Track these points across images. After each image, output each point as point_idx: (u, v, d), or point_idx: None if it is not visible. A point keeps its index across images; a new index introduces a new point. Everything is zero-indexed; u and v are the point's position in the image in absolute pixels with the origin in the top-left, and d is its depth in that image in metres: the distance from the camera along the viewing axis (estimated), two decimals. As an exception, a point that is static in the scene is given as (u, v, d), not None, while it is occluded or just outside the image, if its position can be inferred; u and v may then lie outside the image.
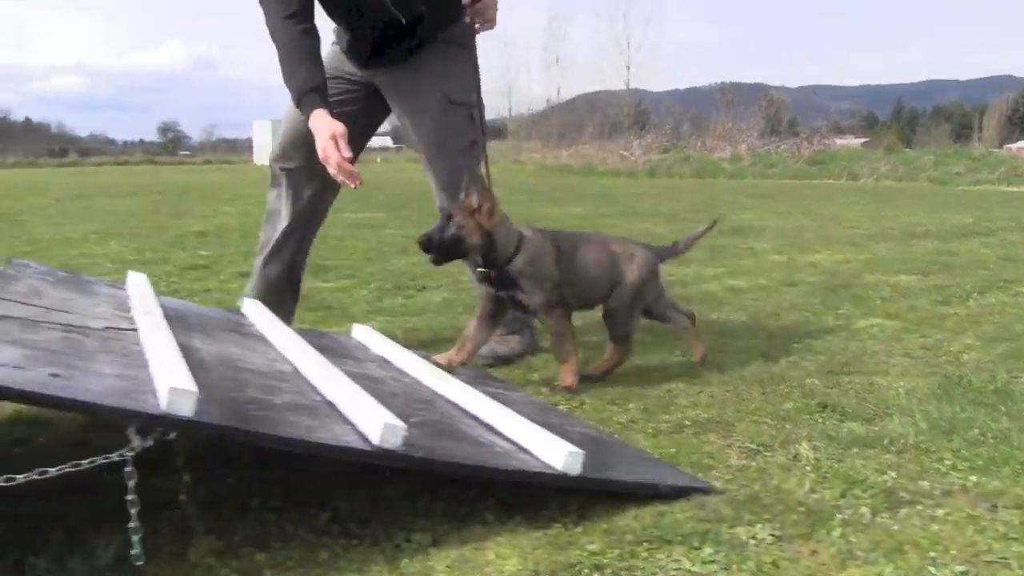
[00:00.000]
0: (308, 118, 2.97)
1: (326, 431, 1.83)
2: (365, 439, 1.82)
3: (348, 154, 2.89)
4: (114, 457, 1.65)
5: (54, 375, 1.68)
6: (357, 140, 3.14)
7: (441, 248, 2.84)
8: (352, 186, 2.97)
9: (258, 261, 3.56)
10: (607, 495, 2.03)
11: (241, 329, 2.85)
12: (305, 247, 3.60)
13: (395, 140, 77.68)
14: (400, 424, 1.81)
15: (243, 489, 2.08)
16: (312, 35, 3.05)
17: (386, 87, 3.34)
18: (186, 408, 1.64)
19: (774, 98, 31.11)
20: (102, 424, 2.56)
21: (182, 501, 1.88)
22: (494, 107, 42.85)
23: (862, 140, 30.55)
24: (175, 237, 8.38)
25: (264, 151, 39.92)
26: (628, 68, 34.34)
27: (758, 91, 33.86)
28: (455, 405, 2.40)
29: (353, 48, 3.30)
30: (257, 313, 3.02)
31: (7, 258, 2.96)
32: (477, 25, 3.20)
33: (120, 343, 2.14)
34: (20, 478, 1.60)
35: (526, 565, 1.77)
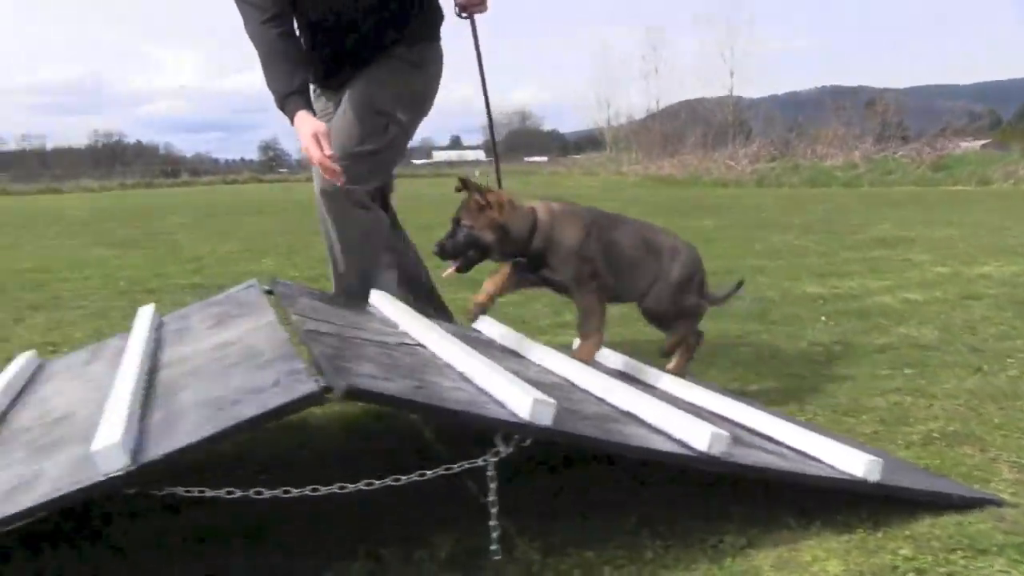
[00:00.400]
0: (292, 120, 2.97)
1: (651, 439, 1.96)
2: (686, 446, 1.95)
3: (329, 152, 2.90)
4: (479, 462, 1.81)
5: (418, 386, 1.85)
6: None
7: (457, 253, 2.77)
8: (337, 183, 2.97)
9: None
10: (894, 502, 2.10)
11: (479, 341, 2.96)
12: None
13: (487, 153, 78.36)
14: (724, 433, 1.93)
15: (543, 495, 2.23)
16: (290, 38, 3.05)
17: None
18: (546, 417, 1.78)
19: (886, 101, 30.39)
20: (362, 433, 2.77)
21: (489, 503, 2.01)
22: (591, 118, 42.98)
23: (982, 142, 29.41)
24: (323, 254, 8.67)
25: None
26: (732, 75, 34.02)
27: (862, 94, 33.09)
28: (719, 415, 2.49)
29: (313, 66, 3.22)
30: (486, 325, 3.13)
31: (271, 278, 3.17)
32: (467, 10, 3.14)
33: (419, 357, 2.29)
34: (404, 479, 1.78)
35: (848, 567, 1.87)
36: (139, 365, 2.18)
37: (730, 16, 38.25)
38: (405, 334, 2.65)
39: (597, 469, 2.39)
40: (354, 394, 1.64)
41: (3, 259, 9.41)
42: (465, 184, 2.75)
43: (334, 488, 1.78)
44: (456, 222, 2.77)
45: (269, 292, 2.89)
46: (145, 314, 2.92)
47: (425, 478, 1.81)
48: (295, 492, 1.75)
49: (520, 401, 1.82)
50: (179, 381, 2.05)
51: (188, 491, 1.69)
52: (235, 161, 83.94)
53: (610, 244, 2.85)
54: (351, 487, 1.79)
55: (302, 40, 3.16)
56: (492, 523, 1.84)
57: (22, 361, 2.83)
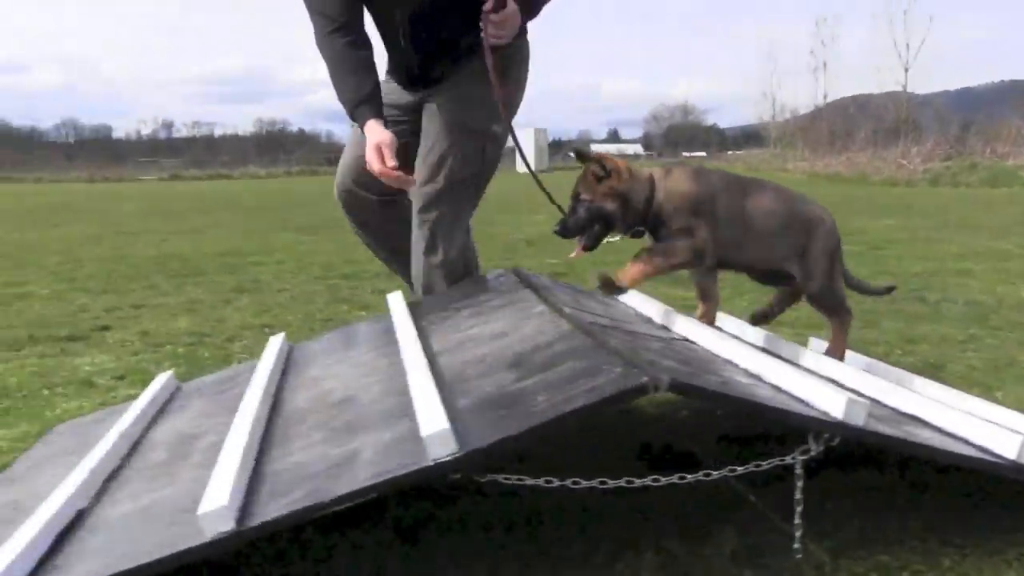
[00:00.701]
0: (363, 130, 2.91)
1: (948, 443, 1.92)
2: (990, 452, 1.90)
3: (392, 163, 2.81)
4: (788, 460, 1.81)
5: (723, 382, 1.87)
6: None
7: (580, 229, 2.64)
8: (410, 183, 2.90)
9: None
10: None
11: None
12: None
13: (646, 147, 77.77)
14: (1034, 441, 1.87)
15: (818, 496, 2.21)
16: (358, 46, 2.95)
17: (424, 109, 3.18)
18: (859, 417, 1.77)
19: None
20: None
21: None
22: (755, 113, 42.06)
23: None
24: (506, 245, 8.80)
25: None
26: (906, 71, 32.59)
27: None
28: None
29: (395, 69, 3.18)
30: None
31: (511, 268, 3.23)
32: (491, 36, 2.88)
33: (699, 352, 2.30)
34: (715, 474, 1.81)
35: None
36: (419, 352, 2.27)
37: (909, 9, 36.38)
38: (664, 328, 2.67)
39: (863, 472, 2.36)
40: (677, 388, 1.66)
41: (195, 243, 9.94)
42: (580, 154, 2.66)
43: (621, 482, 1.82)
44: (575, 197, 2.65)
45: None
46: (397, 300, 3.04)
47: (736, 474, 1.82)
48: (594, 484, 1.79)
49: (831, 400, 1.81)
50: (466, 370, 2.11)
51: (507, 478, 1.75)
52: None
53: (748, 208, 2.64)
54: (638, 482, 1.82)
55: (388, 47, 3.11)
56: (796, 522, 1.85)
57: (277, 344, 2.97)
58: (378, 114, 2.90)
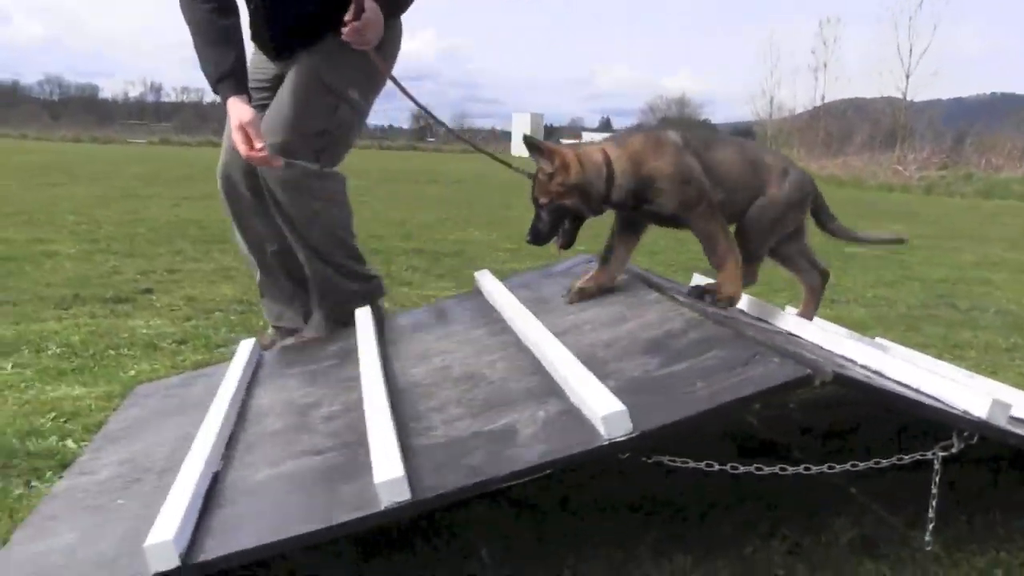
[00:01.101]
0: (225, 106, 2.88)
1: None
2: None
3: (259, 145, 2.81)
4: (928, 455, 1.86)
5: (867, 376, 1.91)
6: None
7: (550, 232, 2.58)
8: (275, 164, 2.90)
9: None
10: None
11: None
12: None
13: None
14: None
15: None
16: (222, 13, 2.88)
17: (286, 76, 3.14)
18: (1002, 418, 1.82)
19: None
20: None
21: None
22: (750, 110, 42.21)
23: None
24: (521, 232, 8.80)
25: (521, 144, 41.21)
26: (908, 77, 32.65)
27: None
28: None
29: (257, 35, 3.14)
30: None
31: (588, 256, 3.25)
32: (353, 44, 2.92)
33: (823, 350, 2.34)
34: (862, 465, 1.85)
35: None
36: (543, 331, 2.29)
37: (914, 17, 36.41)
38: (763, 320, 2.71)
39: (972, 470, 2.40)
40: (841, 381, 1.71)
41: (208, 210, 9.78)
42: (529, 144, 2.54)
43: (775, 468, 1.86)
44: (536, 202, 2.58)
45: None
46: (488, 279, 3.06)
47: (880, 466, 1.87)
48: (726, 468, 1.84)
49: (973, 399, 1.86)
50: (596, 352, 2.13)
51: (672, 460, 1.79)
52: (384, 127, 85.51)
53: (710, 162, 2.58)
54: (790, 469, 1.87)
55: (251, 16, 3.07)
56: (930, 515, 1.89)
57: (366, 317, 2.99)
58: (240, 89, 2.87)
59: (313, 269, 3.19)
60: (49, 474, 2.33)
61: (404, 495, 1.62)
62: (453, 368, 2.36)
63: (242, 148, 2.83)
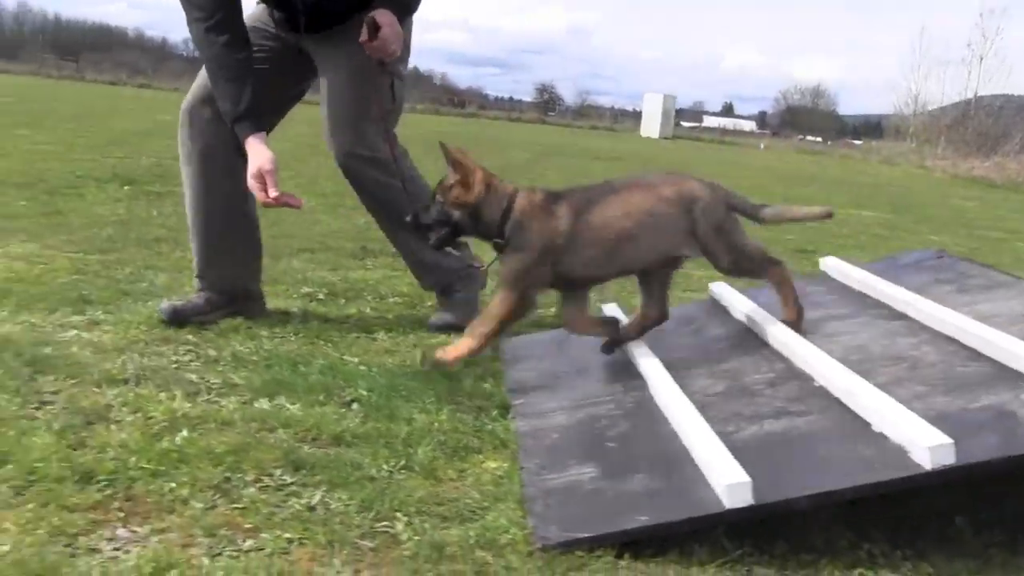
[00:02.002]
0: (242, 142, 2.94)
1: None
2: None
3: (274, 194, 2.88)
4: None
5: None
6: (275, 104, 3.22)
7: (429, 227, 2.68)
8: (296, 205, 2.98)
9: None
10: None
11: None
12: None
13: (760, 125, 76.38)
14: None
15: None
16: (237, 47, 2.95)
17: (314, 47, 3.23)
18: None
19: None
20: None
21: None
22: (888, 102, 40.96)
23: None
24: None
25: (652, 123, 41.05)
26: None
27: None
28: None
29: (284, 20, 3.20)
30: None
31: (938, 250, 3.38)
32: (377, 57, 3.04)
33: None
34: None
35: None
36: (967, 320, 2.45)
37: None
38: None
39: None
40: None
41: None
42: (445, 151, 2.62)
43: None
44: (432, 196, 2.70)
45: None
46: (835, 264, 3.23)
47: None
48: None
49: None
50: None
51: None
52: (505, 99, 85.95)
53: (597, 222, 2.60)
54: None
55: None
56: None
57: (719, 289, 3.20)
58: (258, 128, 2.94)
59: (407, 250, 3.46)
60: (495, 413, 2.57)
61: (950, 458, 1.81)
62: (870, 347, 2.54)
63: (259, 195, 2.93)
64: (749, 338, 2.80)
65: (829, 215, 2.91)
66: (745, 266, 2.72)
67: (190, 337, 3.08)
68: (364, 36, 2.93)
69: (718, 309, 3.18)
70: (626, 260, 2.67)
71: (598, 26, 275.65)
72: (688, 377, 2.53)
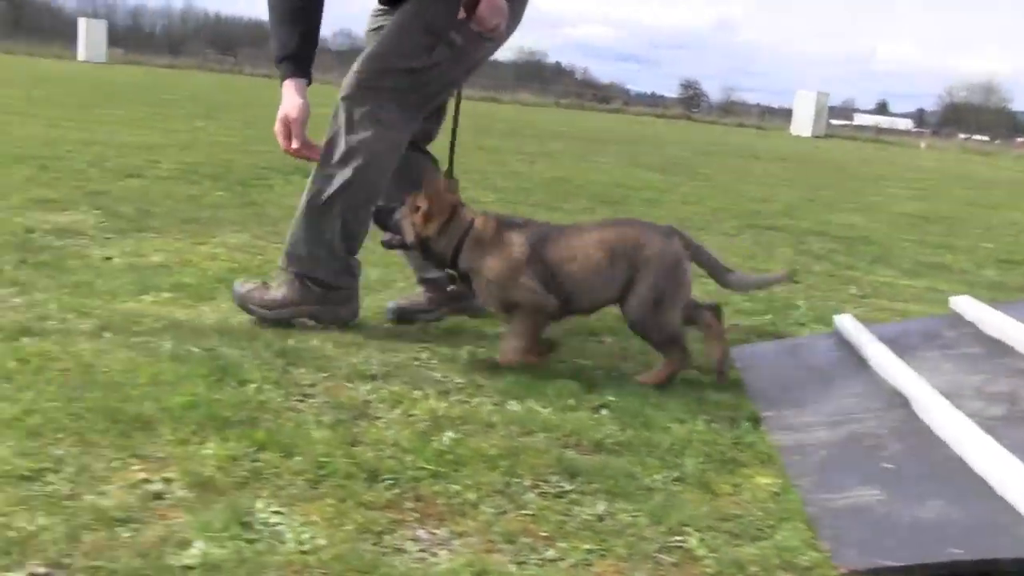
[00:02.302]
0: (280, 83, 2.90)
1: None
2: None
3: (296, 144, 2.89)
4: None
5: None
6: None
7: (385, 227, 2.84)
8: (313, 158, 2.95)
9: None
10: None
11: None
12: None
13: (918, 124, 73.23)
14: None
15: None
16: None
17: None
18: None
19: None
20: None
21: None
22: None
23: None
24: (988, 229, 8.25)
25: (804, 121, 39.91)
26: None
27: None
28: None
29: None
30: None
31: None
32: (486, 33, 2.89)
33: None
34: None
35: None
36: None
37: None
38: None
39: None
40: None
41: (567, 168, 10.15)
42: (426, 175, 2.78)
43: None
44: (400, 206, 2.81)
45: None
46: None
47: None
48: None
49: None
50: None
51: None
52: (647, 94, 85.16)
53: (555, 266, 2.66)
54: None
55: None
56: None
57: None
58: (298, 73, 2.90)
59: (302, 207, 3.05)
60: (747, 424, 2.49)
61: None
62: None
63: (282, 142, 2.92)
64: (1010, 356, 2.63)
65: (789, 278, 2.99)
66: (652, 336, 2.73)
67: (420, 333, 3.11)
68: (462, 13, 2.86)
69: (961, 323, 3.02)
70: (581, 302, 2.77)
71: (744, 20, 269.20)
72: (957, 398, 2.39)
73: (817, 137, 37.95)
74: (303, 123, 2.90)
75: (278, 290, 3.02)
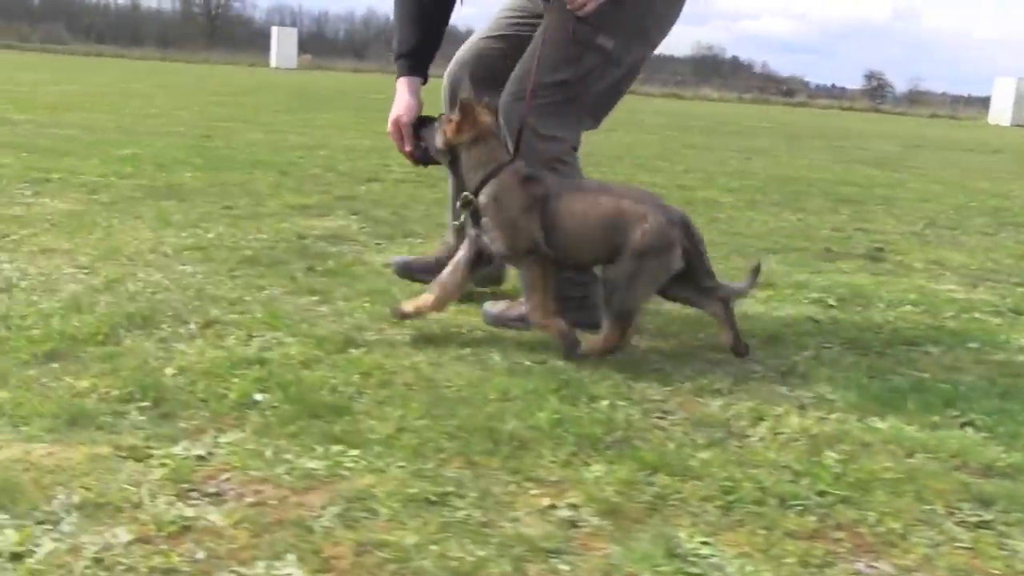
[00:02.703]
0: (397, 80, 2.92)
1: None
2: None
3: (408, 148, 2.89)
4: None
5: None
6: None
7: (419, 137, 2.88)
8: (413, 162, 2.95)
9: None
10: None
11: None
12: None
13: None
14: None
15: None
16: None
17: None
18: None
19: None
20: None
21: None
22: None
23: None
24: None
25: (1004, 110, 37.48)
26: None
27: None
28: None
29: None
30: None
31: None
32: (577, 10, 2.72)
33: None
34: None
35: None
36: None
37: None
38: None
39: None
40: None
41: (785, 166, 9.73)
42: (463, 91, 2.81)
43: None
44: (439, 116, 2.83)
45: None
46: None
47: None
48: None
49: None
50: None
51: None
52: (825, 87, 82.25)
53: (557, 218, 2.62)
54: None
55: None
56: None
57: None
58: (413, 71, 2.92)
59: None
60: None
61: None
62: None
63: (396, 142, 2.94)
64: None
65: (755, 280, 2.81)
66: (611, 304, 2.64)
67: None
68: None
69: None
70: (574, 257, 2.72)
71: (924, 6, 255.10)
72: None
73: (1018, 126, 35.55)
74: (411, 127, 2.90)
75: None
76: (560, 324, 2.68)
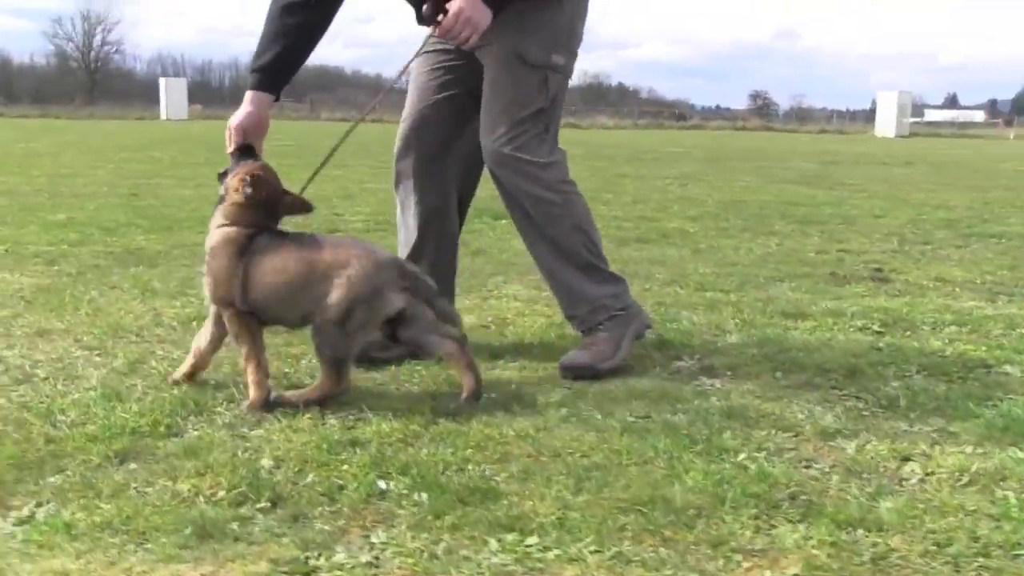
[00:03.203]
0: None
1: None
2: None
3: (229, 150, 2.81)
4: None
5: None
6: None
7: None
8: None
9: None
10: None
11: None
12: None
13: (991, 115, 71.46)
14: None
15: None
16: (292, 12, 2.81)
17: (479, 50, 2.89)
18: None
19: None
20: None
21: None
22: None
23: None
24: None
25: (887, 122, 39.05)
26: None
27: None
28: None
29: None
30: None
31: None
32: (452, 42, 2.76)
33: None
34: None
35: None
36: None
37: None
38: None
39: None
40: None
41: (719, 193, 9.81)
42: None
43: None
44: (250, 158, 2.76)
45: None
46: None
47: None
48: None
49: None
50: None
51: None
52: (711, 108, 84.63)
53: (255, 270, 2.55)
54: None
55: None
56: None
57: None
58: (261, 87, 2.84)
59: (550, 271, 3.02)
60: None
61: None
62: None
63: (228, 146, 2.84)
64: None
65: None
66: (322, 352, 2.55)
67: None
68: (426, 8, 2.75)
69: None
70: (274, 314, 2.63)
71: (804, 26, 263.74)
72: None
73: (902, 137, 37.13)
74: (242, 131, 2.81)
75: (600, 345, 2.93)
76: (261, 379, 2.56)
